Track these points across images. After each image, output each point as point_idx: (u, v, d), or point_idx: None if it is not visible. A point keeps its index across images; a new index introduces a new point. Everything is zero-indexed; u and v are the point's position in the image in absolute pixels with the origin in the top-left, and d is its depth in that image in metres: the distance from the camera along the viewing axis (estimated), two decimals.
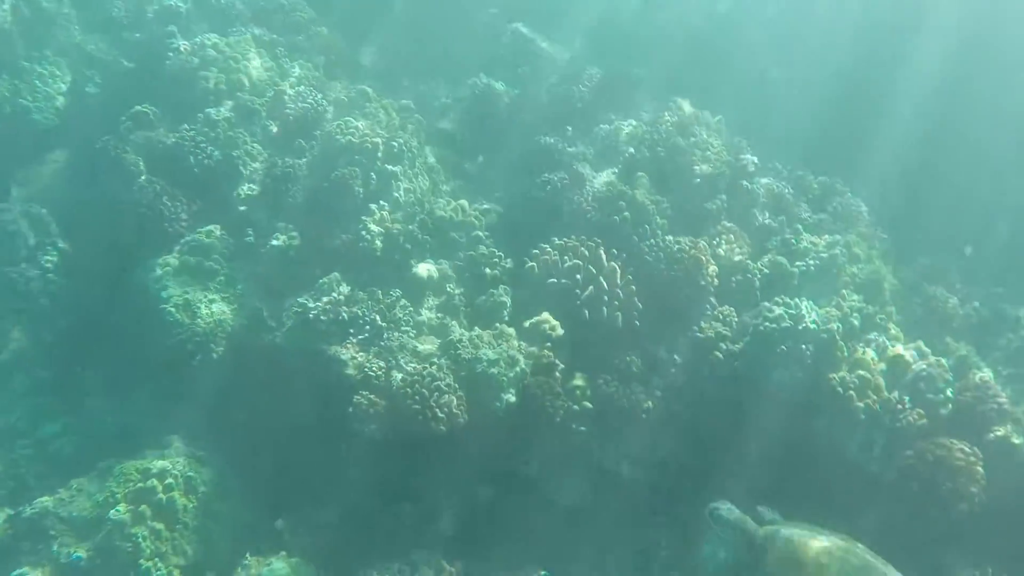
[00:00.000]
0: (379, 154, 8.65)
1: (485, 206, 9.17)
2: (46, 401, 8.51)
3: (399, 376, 6.83)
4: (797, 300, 7.24)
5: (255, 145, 9.01)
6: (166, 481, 7.18)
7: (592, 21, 13.02)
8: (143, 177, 8.65)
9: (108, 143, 8.79)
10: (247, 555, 6.98)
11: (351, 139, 8.63)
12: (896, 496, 6.54)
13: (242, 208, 8.67)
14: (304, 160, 8.86)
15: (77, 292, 8.99)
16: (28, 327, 8.80)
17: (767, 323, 7.00)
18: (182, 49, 9.64)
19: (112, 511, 6.97)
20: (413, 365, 7.00)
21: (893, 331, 7.68)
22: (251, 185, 8.79)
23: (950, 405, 6.78)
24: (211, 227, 8.55)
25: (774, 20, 13.14)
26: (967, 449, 6.37)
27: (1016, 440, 6.66)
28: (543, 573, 6.94)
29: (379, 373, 6.95)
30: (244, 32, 10.39)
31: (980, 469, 6.31)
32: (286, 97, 9.30)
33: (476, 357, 6.99)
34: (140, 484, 7.10)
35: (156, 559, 6.97)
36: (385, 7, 12.40)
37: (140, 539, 6.92)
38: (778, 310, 7.04)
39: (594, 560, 7.18)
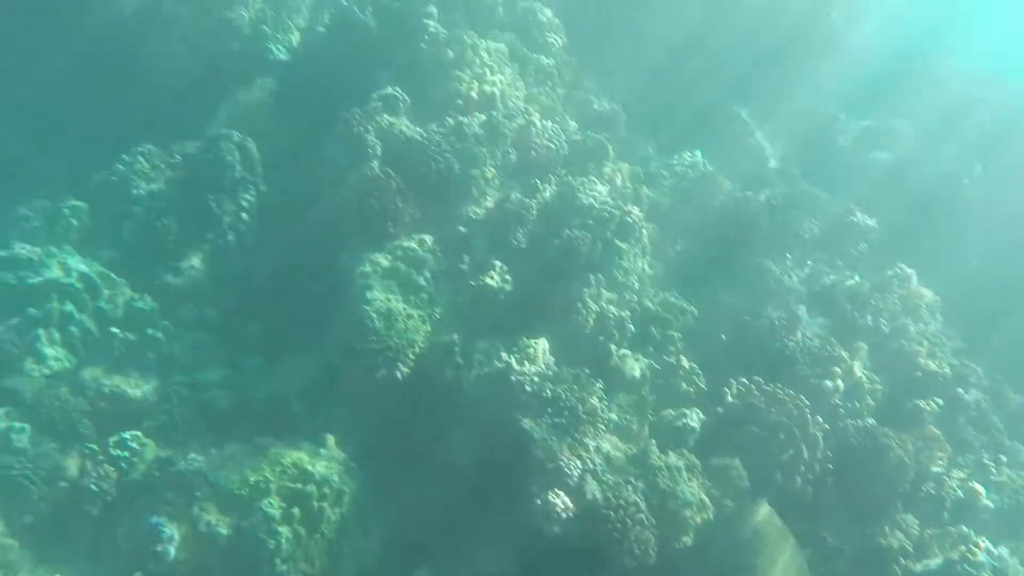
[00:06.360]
0: (613, 226, 8.38)
1: (685, 305, 8.86)
2: (206, 339, 8.35)
3: (597, 489, 6.60)
4: (1002, 552, 6.94)
5: (492, 169, 8.75)
6: (323, 490, 7.03)
7: None
8: (375, 163, 8.45)
9: (353, 117, 8.56)
10: None
11: (592, 202, 8.36)
12: None
13: (462, 229, 8.43)
14: (534, 202, 8.57)
15: (264, 240, 8.85)
16: (209, 260, 8.59)
17: (967, 568, 6.71)
18: (438, 34, 9.35)
19: (265, 502, 6.83)
20: (610, 479, 6.76)
21: None
22: (477, 209, 8.55)
23: None
24: (424, 237, 8.33)
25: None
26: None
27: None
28: None
29: (574, 473, 6.72)
30: (500, 37, 10.12)
31: None
32: (533, 130, 9.02)
33: (673, 493, 6.76)
34: (299, 485, 6.95)
35: (290, 562, 6.86)
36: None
37: (283, 540, 6.79)
38: (981, 557, 6.75)
39: None
